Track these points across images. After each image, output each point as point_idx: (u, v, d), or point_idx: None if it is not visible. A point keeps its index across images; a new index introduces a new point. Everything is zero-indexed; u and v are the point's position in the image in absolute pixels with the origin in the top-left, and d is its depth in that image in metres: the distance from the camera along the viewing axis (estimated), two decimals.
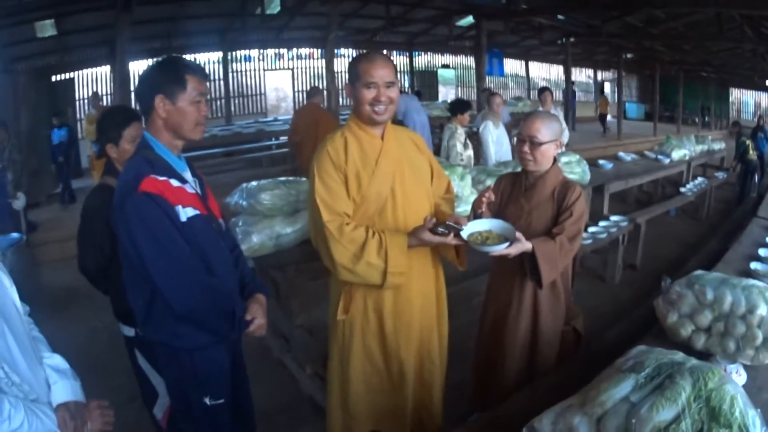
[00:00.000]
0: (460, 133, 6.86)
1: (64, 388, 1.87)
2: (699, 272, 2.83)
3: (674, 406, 1.57)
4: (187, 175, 2.39)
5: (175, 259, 2.17)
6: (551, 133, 2.95)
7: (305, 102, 10.08)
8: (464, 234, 2.54)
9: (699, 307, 2.59)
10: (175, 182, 2.24)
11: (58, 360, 1.95)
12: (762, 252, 4.05)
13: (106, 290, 3.13)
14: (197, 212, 2.29)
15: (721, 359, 2.40)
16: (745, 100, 33.43)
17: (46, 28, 10.81)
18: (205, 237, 2.32)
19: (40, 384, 1.79)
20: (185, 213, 2.23)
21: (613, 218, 6.70)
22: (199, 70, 2.31)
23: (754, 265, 3.72)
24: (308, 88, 10.47)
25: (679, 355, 1.83)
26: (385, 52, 20.24)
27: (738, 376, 2.32)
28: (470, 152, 6.86)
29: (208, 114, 2.46)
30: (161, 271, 2.15)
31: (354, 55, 21.04)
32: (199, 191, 2.41)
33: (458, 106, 7.16)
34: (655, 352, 1.88)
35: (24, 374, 1.70)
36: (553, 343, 3.12)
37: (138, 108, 2.41)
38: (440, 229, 2.52)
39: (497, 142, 7.26)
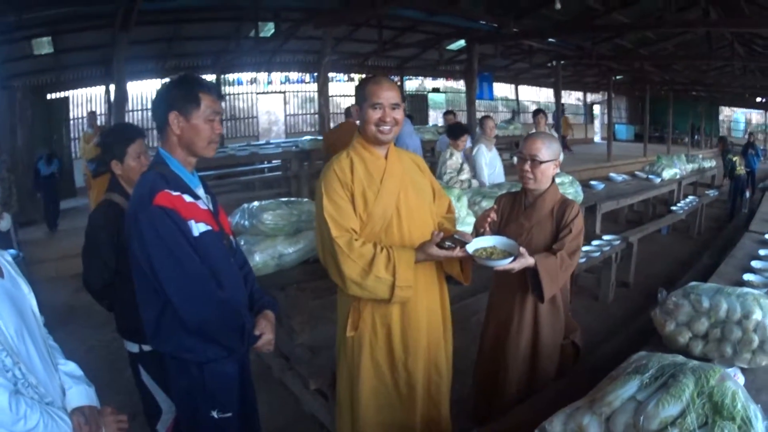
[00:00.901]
0: (456, 158, 6.91)
1: (79, 394, 1.91)
2: (694, 283, 2.90)
3: (679, 402, 1.64)
4: (200, 191, 2.46)
5: (188, 273, 2.21)
6: (551, 152, 3.04)
7: (342, 121, 10.06)
8: (470, 249, 2.62)
9: (696, 315, 2.66)
10: (188, 198, 2.30)
11: (72, 367, 1.99)
12: (755, 264, 4.10)
13: (110, 307, 3.16)
14: (209, 228, 2.34)
15: (718, 363, 2.44)
16: (736, 118, 33.89)
17: (43, 46, 10.87)
18: (215, 252, 2.37)
19: (55, 389, 1.82)
20: (197, 228, 2.28)
21: (606, 237, 6.76)
22: (213, 89, 2.38)
23: (747, 277, 3.77)
24: (297, 110, 10.33)
25: (680, 358, 1.91)
26: None
27: (736, 379, 2.38)
28: (466, 176, 6.87)
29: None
30: (174, 283, 2.20)
31: (343, 79, 21.20)
32: (211, 207, 2.46)
33: (452, 131, 7.20)
34: (656, 355, 1.95)
35: (41, 377, 1.74)
36: (553, 356, 3.17)
37: (153, 124, 2.48)
38: (447, 243, 2.59)
39: (490, 164, 7.32)
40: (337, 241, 2.62)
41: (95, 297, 3.13)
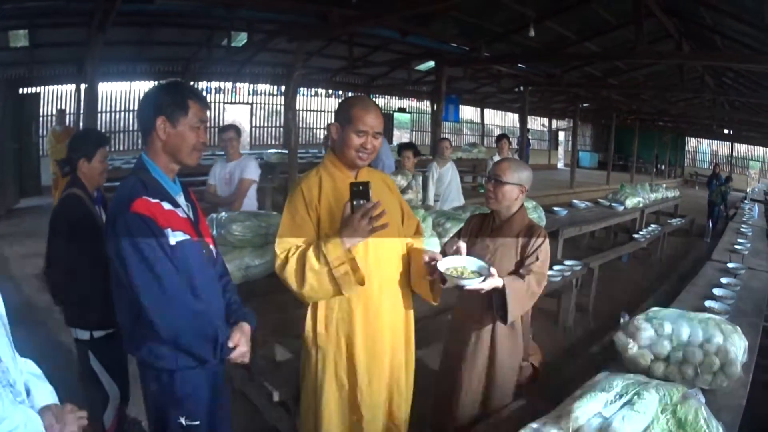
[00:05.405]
0: (399, 178, 7.02)
1: (44, 392, 1.87)
2: (656, 309, 2.98)
3: (644, 417, 1.69)
4: (181, 199, 2.43)
5: (163, 282, 2.17)
6: (517, 177, 3.09)
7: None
8: (441, 267, 2.65)
9: (658, 339, 2.73)
10: (167, 205, 2.27)
11: (31, 364, 1.94)
12: (716, 291, 4.19)
13: (62, 301, 3.25)
14: (186, 237, 2.31)
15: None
16: (702, 149, 34.54)
17: (19, 39, 10.70)
18: (193, 261, 2.34)
19: (21, 386, 1.78)
20: (174, 237, 2.25)
21: (567, 263, 6.77)
22: (201, 97, 2.37)
23: (708, 303, 3.87)
24: (264, 122, 10.39)
25: (643, 377, 1.96)
26: (341, 93, 20.45)
27: (698, 398, 2.43)
28: (411, 196, 6.98)
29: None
30: (148, 293, 2.16)
31: (309, 94, 21.08)
32: (191, 216, 2.44)
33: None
34: (620, 375, 2.01)
35: (17, 377, 1.71)
36: (510, 378, 3.18)
37: (130, 126, 2.49)
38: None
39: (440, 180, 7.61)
40: (280, 256, 2.65)
41: (53, 289, 3.27)
